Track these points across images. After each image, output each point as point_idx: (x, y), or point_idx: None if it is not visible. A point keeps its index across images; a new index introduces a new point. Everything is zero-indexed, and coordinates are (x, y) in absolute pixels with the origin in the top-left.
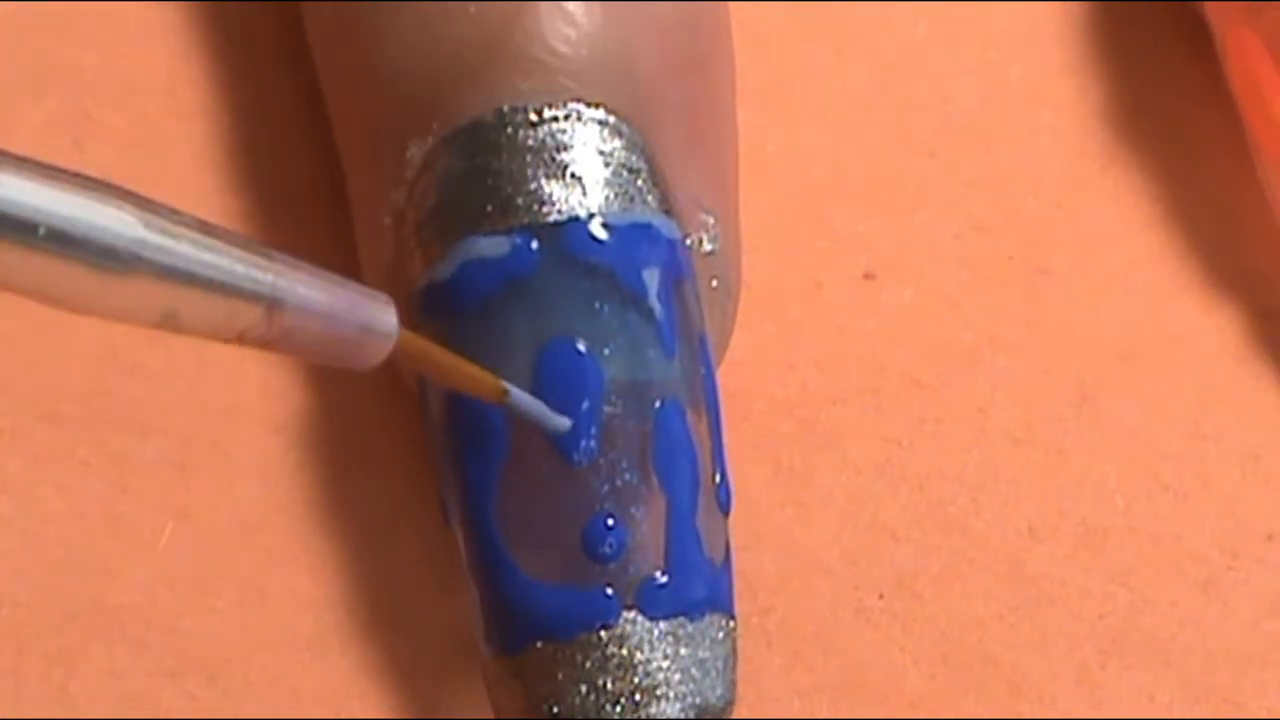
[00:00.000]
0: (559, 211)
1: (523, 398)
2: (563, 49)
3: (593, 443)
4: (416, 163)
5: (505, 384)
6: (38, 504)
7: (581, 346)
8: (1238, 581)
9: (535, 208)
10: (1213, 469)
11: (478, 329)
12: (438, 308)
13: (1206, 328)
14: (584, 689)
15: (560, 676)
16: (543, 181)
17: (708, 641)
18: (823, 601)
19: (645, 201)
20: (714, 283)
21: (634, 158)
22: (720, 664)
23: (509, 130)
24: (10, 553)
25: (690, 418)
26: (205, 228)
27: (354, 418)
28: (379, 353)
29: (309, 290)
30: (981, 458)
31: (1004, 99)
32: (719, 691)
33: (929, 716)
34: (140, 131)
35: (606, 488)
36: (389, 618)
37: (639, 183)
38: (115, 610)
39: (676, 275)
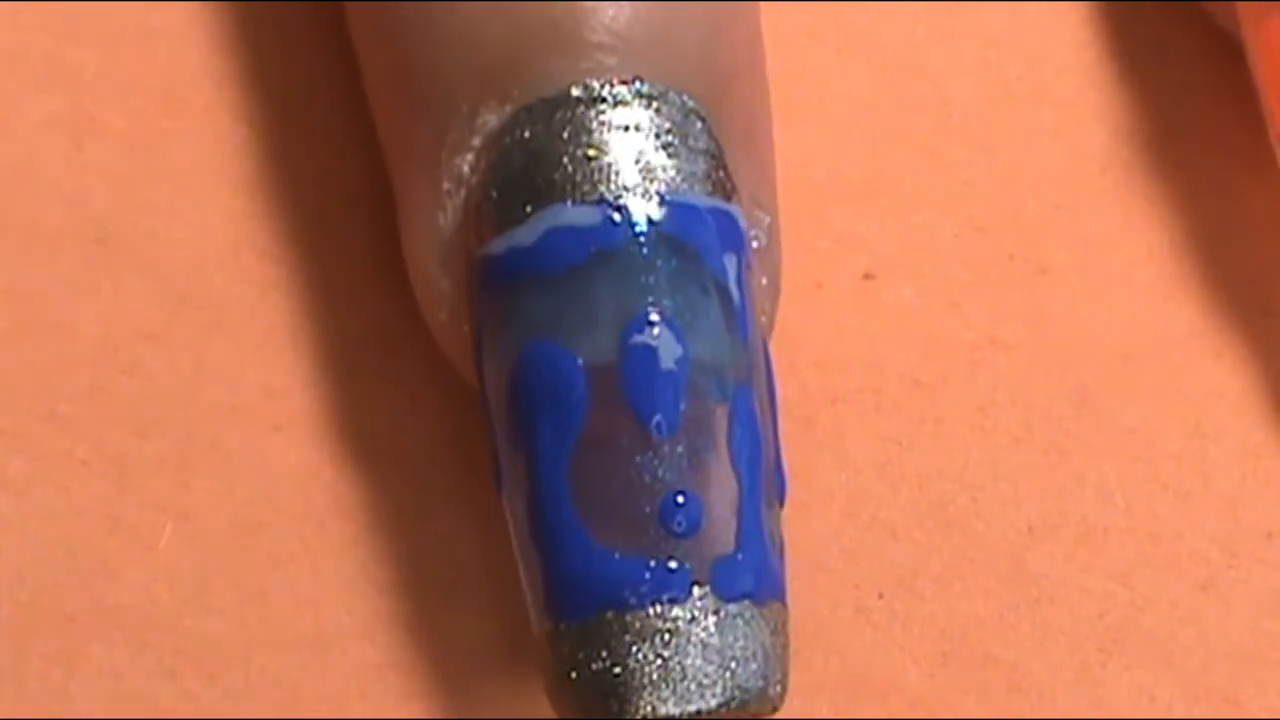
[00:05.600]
0: (649, 188)
1: None
2: (642, 35)
3: (676, 418)
4: (489, 129)
5: None
6: (38, 504)
7: (669, 322)
8: (1238, 581)
9: (627, 182)
10: (1213, 469)
11: (560, 297)
12: (515, 273)
13: (1206, 328)
14: (649, 661)
15: (627, 647)
16: (633, 157)
17: (771, 627)
18: (823, 601)
19: (724, 189)
20: (764, 280)
21: (714, 145)
22: (780, 651)
23: (601, 104)
24: (10, 553)
25: (757, 404)
26: None
27: (355, 418)
28: None
29: None
30: (981, 458)
31: (1004, 99)
32: (778, 676)
33: (929, 716)
34: (141, 131)
35: (685, 463)
36: (389, 618)
37: (720, 172)
38: (115, 610)
39: (747, 265)
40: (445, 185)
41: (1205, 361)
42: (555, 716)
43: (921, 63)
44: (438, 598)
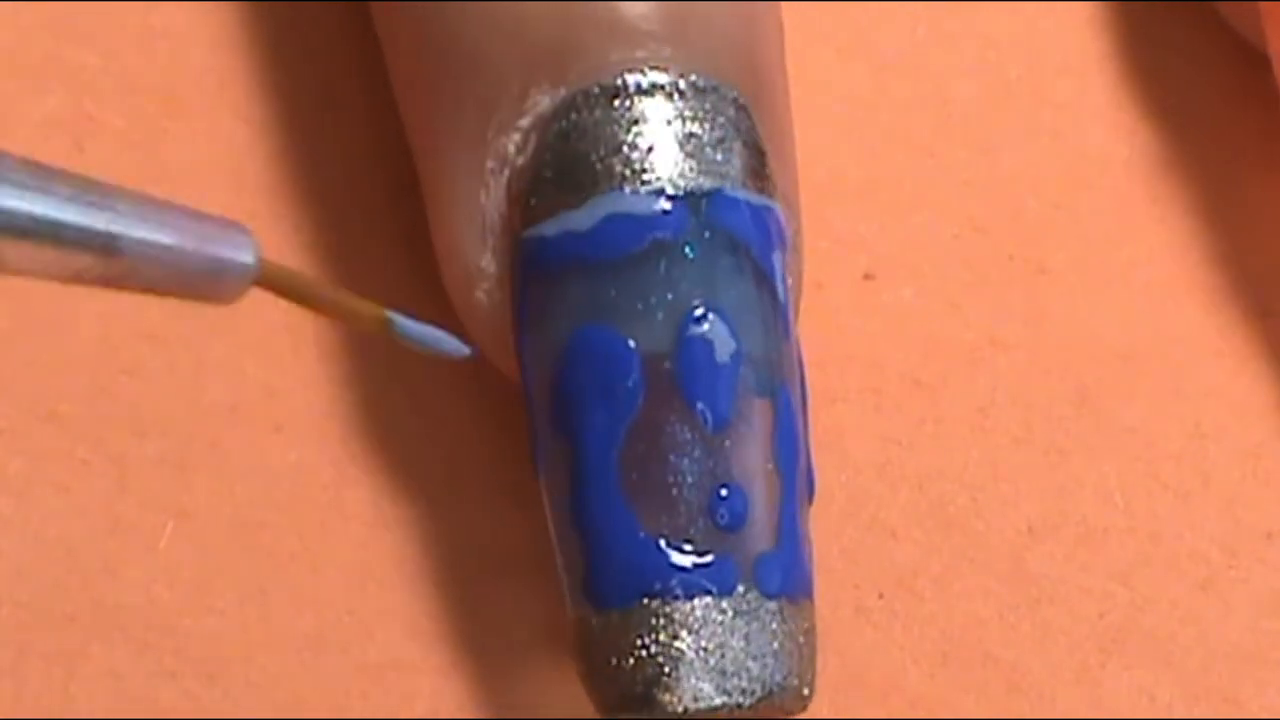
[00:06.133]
0: (705, 181)
1: (410, 325)
2: (695, 28)
3: (728, 412)
4: (540, 110)
5: (388, 312)
6: (38, 504)
7: (724, 316)
8: (1238, 581)
9: (686, 173)
10: (1213, 469)
11: (615, 283)
12: (568, 256)
13: (1206, 328)
14: (693, 652)
15: (671, 637)
16: (690, 149)
17: (804, 626)
18: (823, 601)
19: (769, 186)
20: (789, 280)
21: (760, 142)
22: (811, 650)
23: (659, 94)
24: (10, 553)
25: (796, 402)
26: (33, 167)
27: (356, 417)
28: (238, 285)
29: (150, 229)
30: (981, 458)
31: (1004, 99)
32: (809, 676)
33: (929, 716)
34: (141, 131)
35: (734, 458)
36: (390, 617)
37: (765, 169)
38: (115, 610)
39: (786, 264)
40: (489, 164)
41: (1205, 361)
42: (558, 715)
43: (921, 63)
44: (439, 597)
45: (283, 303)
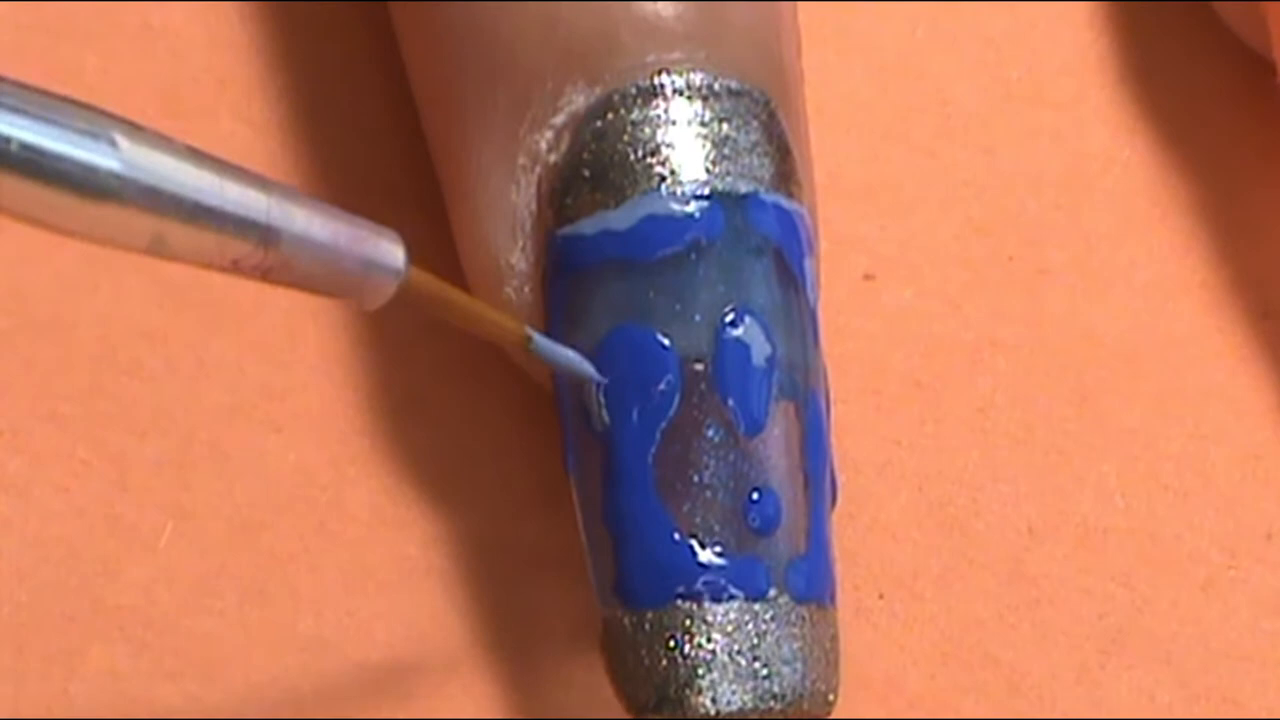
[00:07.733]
0: (742, 185)
1: (547, 344)
2: (730, 32)
3: (762, 416)
4: (575, 108)
5: (529, 329)
6: (38, 504)
7: (760, 319)
8: (1238, 581)
9: (724, 176)
10: (1213, 469)
11: (653, 284)
12: (605, 255)
13: (1206, 328)
14: (725, 654)
15: (704, 639)
16: (726, 151)
17: (831, 631)
18: None
19: (800, 191)
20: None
21: (789, 145)
22: (837, 655)
23: (696, 96)
24: (10, 553)
25: (823, 407)
26: (197, 156)
27: (354, 418)
28: (385, 289)
29: (307, 221)
30: (981, 458)
31: (1004, 99)
32: (836, 680)
33: (929, 716)
34: None
35: (769, 463)
36: (389, 618)
37: (796, 174)
38: (115, 610)
39: (813, 268)
40: (521, 160)
41: (1205, 362)
42: (555, 715)
43: (921, 63)
44: (440, 597)
45: (283, 302)
